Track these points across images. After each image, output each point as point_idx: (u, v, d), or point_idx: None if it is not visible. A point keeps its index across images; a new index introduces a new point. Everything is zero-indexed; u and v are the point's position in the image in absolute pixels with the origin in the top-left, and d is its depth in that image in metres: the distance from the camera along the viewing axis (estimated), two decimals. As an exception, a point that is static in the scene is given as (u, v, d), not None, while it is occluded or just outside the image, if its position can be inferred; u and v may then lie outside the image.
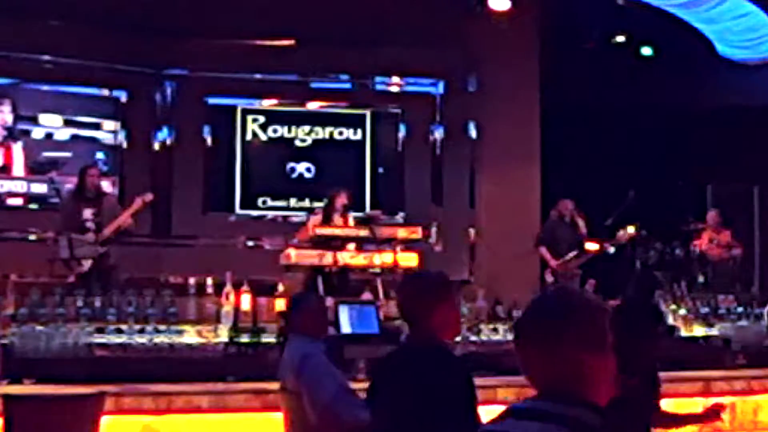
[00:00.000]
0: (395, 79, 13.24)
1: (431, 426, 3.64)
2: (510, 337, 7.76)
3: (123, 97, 12.41)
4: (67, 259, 9.11)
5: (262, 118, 13.09)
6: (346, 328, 7.35)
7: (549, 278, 10.58)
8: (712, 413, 4.71)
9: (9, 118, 11.94)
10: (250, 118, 13.07)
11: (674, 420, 4.76)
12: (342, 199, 9.92)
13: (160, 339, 7.61)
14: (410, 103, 13.22)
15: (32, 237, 11.44)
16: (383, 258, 8.97)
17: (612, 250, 10.69)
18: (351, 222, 9.91)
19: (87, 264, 9.12)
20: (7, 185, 11.92)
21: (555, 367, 2.23)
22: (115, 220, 9.39)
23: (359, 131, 13.25)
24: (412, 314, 3.90)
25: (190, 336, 7.74)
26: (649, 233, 10.94)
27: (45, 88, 12.07)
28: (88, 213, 9.35)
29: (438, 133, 13.17)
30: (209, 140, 12.88)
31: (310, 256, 9.16)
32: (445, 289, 3.98)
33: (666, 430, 4.67)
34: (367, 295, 8.81)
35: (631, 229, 10.56)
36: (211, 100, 12.87)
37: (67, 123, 12.17)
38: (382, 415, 3.89)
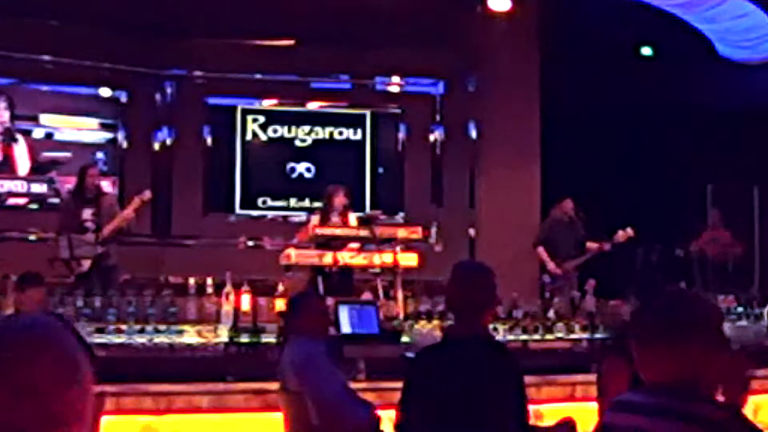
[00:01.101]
0: (395, 79, 13.25)
1: (495, 414, 3.69)
2: (510, 336, 7.78)
3: (123, 97, 12.41)
4: (67, 259, 9.11)
5: (262, 118, 13.10)
6: (346, 328, 7.34)
7: (547, 278, 10.55)
8: (565, 427, 4.22)
9: (6, 115, 11.93)
10: (250, 118, 13.07)
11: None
12: (340, 198, 9.90)
13: (160, 339, 7.61)
14: (410, 103, 13.22)
15: (32, 237, 11.44)
16: (383, 258, 8.96)
17: (607, 247, 10.67)
18: (353, 221, 9.90)
19: (87, 264, 9.13)
20: (7, 185, 11.92)
21: (681, 365, 2.35)
22: (115, 219, 9.39)
23: (359, 131, 13.25)
24: (480, 305, 3.91)
25: (190, 336, 7.73)
26: (649, 233, 10.94)
27: (45, 88, 12.07)
28: (87, 213, 9.35)
29: (438, 133, 13.18)
30: (209, 140, 12.89)
31: (310, 256, 9.15)
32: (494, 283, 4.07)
33: None
34: (367, 295, 8.80)
35: (629, 230, 10.56)
36: (211, 100, 12.88)
37: (68, 123, 12.17)
38: (438, 407, 3.88)
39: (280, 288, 8.71)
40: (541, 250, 10.83)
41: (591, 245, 10.68)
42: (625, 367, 4.17)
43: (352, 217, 9.94)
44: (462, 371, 3.85)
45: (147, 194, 9.64)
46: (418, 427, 3.97)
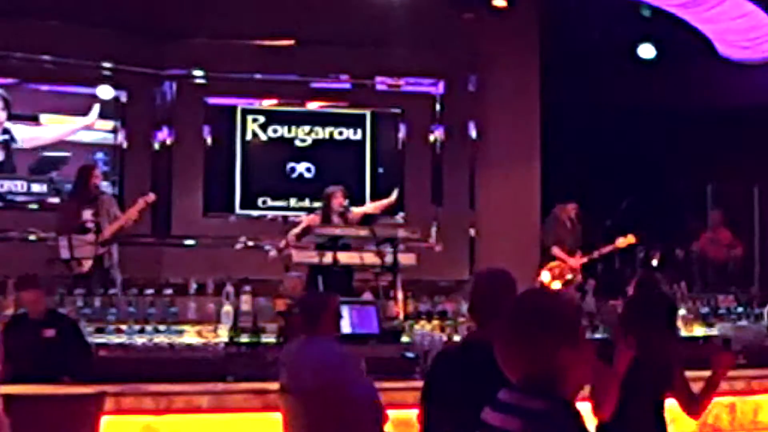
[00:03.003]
0: (395, 79, 13.23)
1: None
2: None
3: (123, 97, 12.41)
4: (67, 259, 9.11)
5: (262, 118, 13.09)
6: (346, 328, 7.34)
7: (546, 278, 10.56)
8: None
9: (2, 115, 11.92)
10: (250, 118, 13.07)
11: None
12: (339, 200, 9.91)
13: (160, 339, 7.62)
14: (410, 103, 13.21)
15: (32, 237, 11.44)
16: (383, 258, 8.97)
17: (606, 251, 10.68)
18: (352, 215, 9.90)
19: (87, 264, 9.13)
20: (7, 185, 11.92)
21: (531, 363, 2.40)
22: (117, 220, 9.39)
23: (359, 131, 13.25)
24: (498, 309, 3.93)
25: (190, 336, 7.74)
26: (649, 234, 10.94)
27: (45, 88, 12.06)
28: (87, 213, 9.35)
29: (438, 133, 13.17)
30: (209, 140, 12.88)
31: (310, 256, 9.16)
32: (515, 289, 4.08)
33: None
34: (367, 295, 8.81)
35: (631, 238, 10.56)
36: (211, 100, 12.87)
37: (68, 123, 12.17)
38: (455, 411, 3.91)
39: (281, 288, 8.74)
40: (557, 249, 10.78)
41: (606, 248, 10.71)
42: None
43: (352, 213, 9.93)
44: (480, 375, 3.88)
45: (151, 196, 9.65)
46: (437, 429, 4.00)
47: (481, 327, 4.03)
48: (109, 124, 12.40)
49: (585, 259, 10.66)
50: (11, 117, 11.85)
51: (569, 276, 10.59)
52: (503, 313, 2.52)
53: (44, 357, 6.63)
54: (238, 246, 12.40)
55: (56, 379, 6.37)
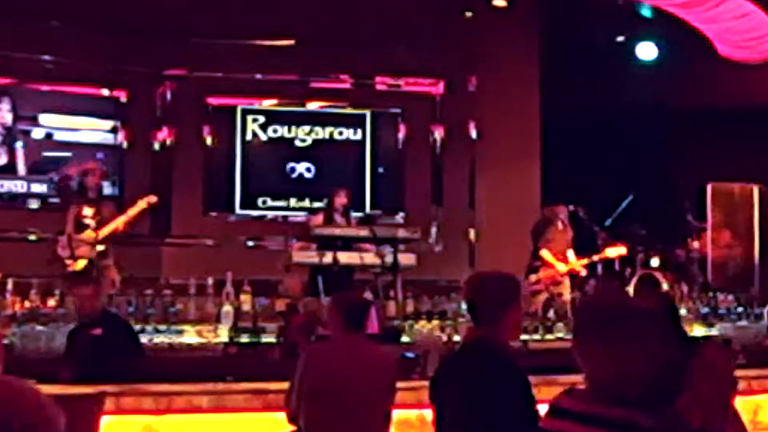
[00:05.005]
0: (395, 79, 13.23)
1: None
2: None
3: (123, 97, 12.41)
4: (66, 258, 9.11)
5: (262, 118, 13.09)
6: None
7: (533, 278, 10.45)
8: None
9: (8, 117, 11.93)
10: (250, 118, 13.07)
11: None
12: (341, 199, 9.94)
13: (160, 339, 7.62)
14: (410, 103, 13.21)
15: (32, 237, 11.44)
16: (383, 258, 8.97)
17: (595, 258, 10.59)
18: (353, 220, 9.93)
19: (81, 263, 9.12)
20: (7, 185, 11.92)
21: (614, 369, 2.29)
22: (117, 219, 9.39)
23: (359, 131, 13.25)
24: (492, 313, 3.92)
25: (190, 336, 7.74)
26: (649, 233, 10.93)
27: (45, 88, 12.07)
28: (88, 213, 9.36)
29: (438, 133, 13.17)
30: (209, 140, 12.89)
31: (310, 256, 9.16)
32: (519, 292, 4.08)
33: None
34: (367, 295, 8.80)
35: (622, 249, 10.48)
36: (211, 100, 12.87)
37: (68, 123, 12.17)
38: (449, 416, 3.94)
39: (281, 288, 8.74)
40: (546, 252, 10.69)
41: (570, 256, 10.56)
42: None
43: (353, 218, 9.98)
44: (463, 377, 3.91)
45: (153, 198, 9.65)
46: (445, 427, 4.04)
47: (482, 330, 4.02)
48: (109, 124, 12.41)
49: (573, 267, 10.48)
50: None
51: (554, 288, 10.39)
52: (584, 314, 2.45)
53: (91, 356, 6.58)
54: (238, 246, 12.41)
55: (101, 378, 6.28)
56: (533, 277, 10.41)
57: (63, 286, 7.92)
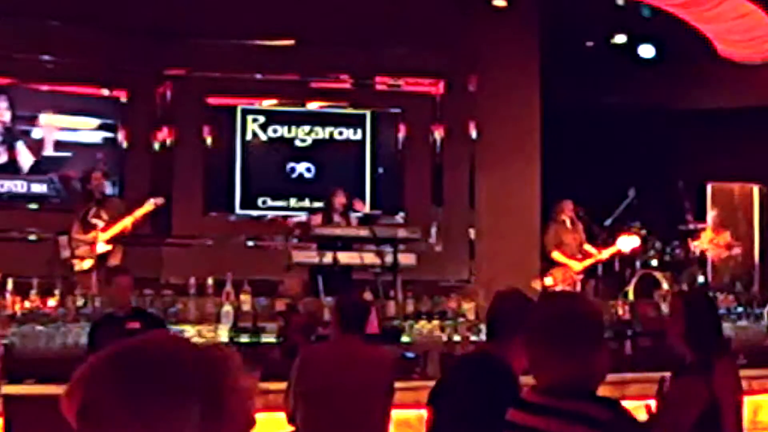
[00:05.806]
0: (395, 79, 13.23)
1: None
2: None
3: (123, 97, 12.41)
4: (67, 258, 9.11)
5: (262, 118, 13.09)
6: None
7: (549, 281, 10.52)
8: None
9: (7, 116, 11.92)
10: (250, 118, 13.07)
11: None
12: (340, 199, 9.95)
13: (160, 339, 7.60)
14: (410, 103, 13.21)
15: (32, 237, 11.44)
16: (383, 258, 8.97)
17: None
18: (353, 221, 9.93)
19: (88, 264, 9.13)
20: (7, 185, 11.92)
21: (567, 366, 2.46)
22: (121, 220, 9.40)
23: (359, 131, 13.25)
24: (503, 330, 3.91)
25: (190, 336, 7.74)
26: (649, 233, 10.93)
27: (45, 88, 12.07)
28: (91, 213, 9.37)
29: (438, 133, 13.17)
30: (209, 140, 12.89)
31: (310, 256, 9.17)
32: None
33: None
34: (367, 295, 8.81)
35: (635, 239, 10.52)
36: (211, 100, 12.87)
37: (68, 123, 12.17)
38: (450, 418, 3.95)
39: (281, 288, 8.74)
40: (558, 254, 10.72)
41: (590, 249, 10.67)
42: None
43: (354, 218, 9.99)
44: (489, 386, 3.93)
45: (161, 200, 9.66)
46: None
47: (496, 344, 4.01)
48: (109, 124, 12.41)
49: (587, 263, 10.59)
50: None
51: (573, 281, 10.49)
52: (530, 318, 2.58)
53: None
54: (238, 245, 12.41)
55: None
56: (548, 280, 10.45)
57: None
